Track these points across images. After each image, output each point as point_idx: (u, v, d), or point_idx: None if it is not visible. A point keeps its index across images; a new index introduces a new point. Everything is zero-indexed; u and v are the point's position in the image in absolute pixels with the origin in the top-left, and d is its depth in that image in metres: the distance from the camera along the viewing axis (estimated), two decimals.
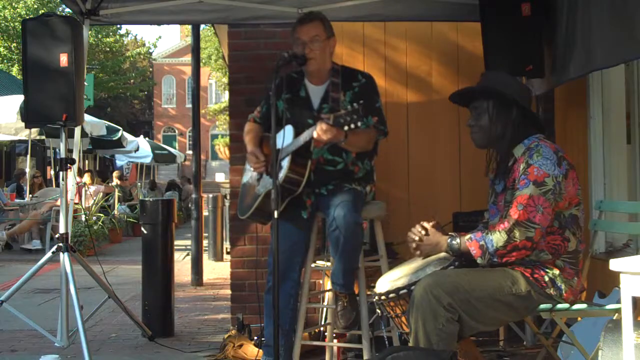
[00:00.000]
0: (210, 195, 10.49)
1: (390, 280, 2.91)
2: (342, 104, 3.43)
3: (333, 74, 3.53)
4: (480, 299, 2.68)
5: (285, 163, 3.34)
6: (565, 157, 2.77)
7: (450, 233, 2.86)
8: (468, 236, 2.77)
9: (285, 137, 3.40)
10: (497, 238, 2.68)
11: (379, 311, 3.03)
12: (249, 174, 3.69)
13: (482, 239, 2.72)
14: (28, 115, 4.17)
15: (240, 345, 4.20)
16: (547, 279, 2.74)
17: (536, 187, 2.68)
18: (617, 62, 3.24)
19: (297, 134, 3.39)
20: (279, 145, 3.23)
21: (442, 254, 2.91)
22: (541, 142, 2.78)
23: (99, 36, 26.41)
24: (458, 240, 2.79)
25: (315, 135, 3.18)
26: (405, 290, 2.81)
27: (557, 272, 2.75)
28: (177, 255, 8.63)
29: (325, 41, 3.49)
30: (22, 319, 4.26)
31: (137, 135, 20.96)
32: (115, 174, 16.73)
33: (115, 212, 12.97)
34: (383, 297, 2.89)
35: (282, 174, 3.32)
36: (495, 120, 2.83)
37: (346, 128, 3.03)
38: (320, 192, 3.49)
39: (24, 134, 11.31)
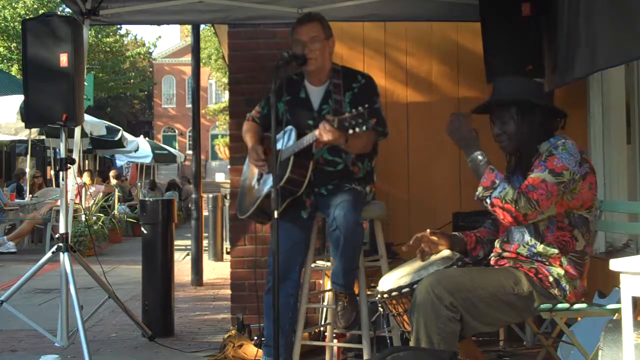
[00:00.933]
0: (210, 195, 10.50)
1: (393, 278, 2.91)
2: (343, 106, 3.44)
3: (334, 75, 3.54)
4: (483, 298, 2.68)
5: (288, 164, 3.34)
6: (587, 159, 2.78)
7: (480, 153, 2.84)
8: (492, 166, 2.77)
9: (287, 139, 3.41)
10: (507, 191, 2.68)
11: (381, 309, 3.03)
12: (249, 174, 3.69)
13: (499, 180, 2.72)
14: (28, 115, 4.17)
15: (240, 345, 4.20)
16: (551, 279, 2.75)
17: (552, 175, 2.68)
18: (621, 62, 3.24)
19: (298, 135, 3.39)
20: (280, 146, 3.24)
21: (445, 254, 2.92)
22: (568, 141, 2.80)
23: (99, 36, 26.39)
24: (482, 158, 2.78)
25: (317, 136, 3.19)
26: (407, 289, 2.81)
27: (562, 272, 2.76)
28: (177, 255, 8.63)
29: (325, 41, 3.50)
30: (22, 319, 4.26)
31: (137, 135, 20.94)
32: (111, 173, 16.71)
33: (115, 212, 12.97)
34: (385, 296, 2.89)
35: (285, 175, 3.32)
36: (522, 124, 2.85)
37: (350, 132, 3.04)
38: (320, 192, 3.50)
39: (24, 134, 11.31)
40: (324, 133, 3.14)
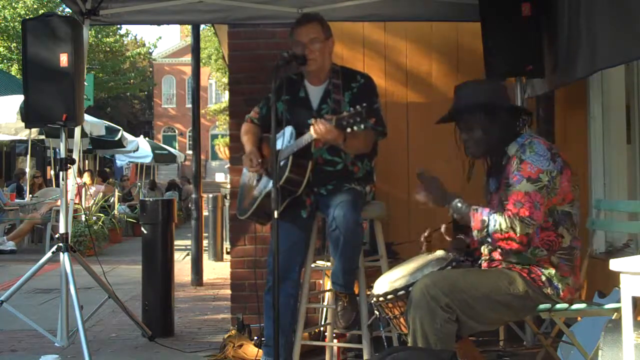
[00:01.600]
0: (210, 195, 10.49)
1: (388, 281, 2.91)
2: (342, 105, 3.44)
3: (333, 75, 3.54)
4: (478, 299, 2.68)
5: (287, 164, 3.35)
6: (559, 154, 2.78)
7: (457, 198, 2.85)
8: (475, 207, 2.77)
9: (286, 138, 3.41)
10: (501, 221, 2.68)
11: (377, 312, 3.03)
12: (248, 174, 3.69)
13: (487, 215, 2.72)
14: (28, 115, 4.17)
15: (240, 345, 4.20)
16: (544, 278, 2.75)
17: (531, 183, 2.69)
18: (621, 62, 3.23)
19: (297, 134, 3.40)
20: (279, 146, 3.23)
21: (439, 254, 2.92)
22: (534, 139, 2.80)
23: (99, 36, 26.38)
24: (462, 205, 2.79)
25: (315, 134, 3.19)
26: (403, 291, 2.81)
27: (553, 271, 2.76)
28: (177, 255, 8.63)
29: (324, 42, 3.50)
30: (22, 319, 4.26)
31: (137, 135, 20.94)
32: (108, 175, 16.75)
33: (115, 212, 12.97)
34: (381, 299, 2.89)
35: (284, 175, 3.32)
36: (488, 129, 2.85)
37: (349, 130, 3.05)
38: (319, 192, 3.50)
39: (24, 134, 11.31)
40: (324, 131, 3.15)
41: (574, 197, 2.80)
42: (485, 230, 2.71)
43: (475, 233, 2.75)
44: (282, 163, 3.37)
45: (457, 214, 2.82)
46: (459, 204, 2.81)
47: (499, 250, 2.77)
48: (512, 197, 2.70)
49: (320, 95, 3.55)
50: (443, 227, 2.99)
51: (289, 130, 3.46)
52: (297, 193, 3.41)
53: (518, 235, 2.66)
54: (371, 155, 3.58)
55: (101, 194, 12.54)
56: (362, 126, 3.04)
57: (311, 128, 3.21)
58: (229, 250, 7.22)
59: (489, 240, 2.72)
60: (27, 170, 13.09)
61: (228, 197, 7.02)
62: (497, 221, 2.69)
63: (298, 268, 3.55)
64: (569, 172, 2.78)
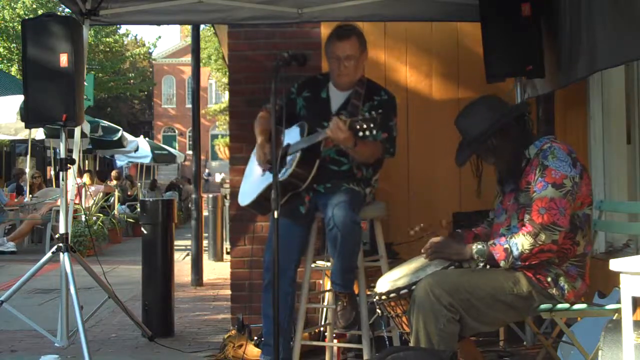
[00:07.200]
0: (210, 196, 10.50)
1: (391, 280, 2.91)
2: (360, 113, 3.46)
3: (358, 84, 3.58)
4: (482, 299, 2.68)
5: (295, 158, 3.38)
6: (578, 158, 2.78)
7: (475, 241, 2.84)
8: (491, 241, 2.77)
9: (293, 135, 3.44)
10: (522, 241, 2.67)
11: (379, 311, 3.03)
12: (255, 163, 3.69)
13: (506, 243, 2.71)
14: (28, 115, 4.17)
15: (240, 345, 4.20)
16: (549, 279, 2.75)
17: (555, 189, 2.68)
18: (621, 62, 3.23)
19: (309, 132, 3.42)
20: (290, 140, 3.26)
21: None
22: (554, 144, 2.79)
23: (99, 36, 26.36)
24: (482, 246, 2.77)
25: (329, 132, 3.21)
26: (406, 290, 2.81)
27: (560, 271, 2.76)
28: (177, 255, 8.63)
29: (359, 57, 3.55)
30: (22, 319, 4.26)
31: (137, 136, 20.92)
32: (113, 174, 16.70)
33: (115, 212, 12.96)
34: (384, 297, 2.89)
35: (290, 168, 3.36)
36: (506, 146, 2.85)
37: (360, 134, 3.09)
38: (317, 189, 3.51)
39: (24, 134, 11.30)
40: (336, 130, 3.19)
41: (591, 200, 2.80)
42: (511, 257, 2.69)
43: (502, 264, 2.73)
44: (290, 157, 3.41)
45: (481, 256, 2.77)
46: (479, 246, 2.78)
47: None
48: (536, 204, 2.69)
49: (343, 100, 3.58)
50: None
51: (302, 125, 3.49)
52: (300, 188, 3.43)
53: (547, 244, 2.65)
54: (376, 167, 3.61)
55: (101, 194, 12.53)
56: (374, 132, 3.09)
57: (327, 129, 3.25)
58: (229, 250, 7.22)
59: (519, 264, 2.70)
60: (27, 170, 13.08)
61: (228, 197, 7.02)
62: (518, 244, 2.68)
63: (294, 265, 3.55)
64: (586, 175, 2.78)
